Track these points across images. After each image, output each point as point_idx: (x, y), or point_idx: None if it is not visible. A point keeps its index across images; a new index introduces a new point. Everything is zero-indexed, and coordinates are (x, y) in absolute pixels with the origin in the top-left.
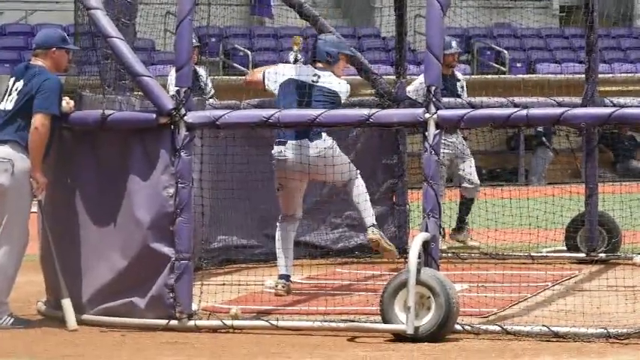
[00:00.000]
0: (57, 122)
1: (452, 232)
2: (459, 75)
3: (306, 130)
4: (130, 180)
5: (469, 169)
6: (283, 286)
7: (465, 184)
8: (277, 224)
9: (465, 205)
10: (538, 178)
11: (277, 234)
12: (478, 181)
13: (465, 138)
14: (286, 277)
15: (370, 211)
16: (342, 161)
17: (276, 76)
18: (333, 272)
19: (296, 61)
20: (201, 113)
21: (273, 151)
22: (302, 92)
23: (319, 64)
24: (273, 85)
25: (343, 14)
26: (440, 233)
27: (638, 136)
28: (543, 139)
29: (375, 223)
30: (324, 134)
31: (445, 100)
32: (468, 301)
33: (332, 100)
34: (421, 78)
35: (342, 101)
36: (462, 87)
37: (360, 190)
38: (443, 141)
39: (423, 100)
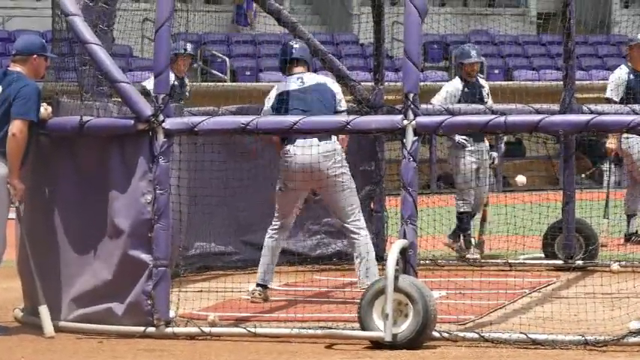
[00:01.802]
0: (35, 128)
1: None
2: (483, 82)
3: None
4: (108, 186)
5: (483, 182)
6: (260, 294)
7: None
8: (269, 231)
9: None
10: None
11: (267, 242)
12: (485, 197)
13: (491, 146)
14: (264, 286)
15: (372, 271)
16: (348, 180)
17: (267, 103)
18: (311, 279)
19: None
20: (179, 120)
21: (281, 151)
22: (297, 96)
23: (297, 70)
24: (267, 108)
25: (321, 21)
26: (472, 243)
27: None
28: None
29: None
30: (333, 137)
31: (473, 106)
32: (445, 308)
33: (326, 93)
34: (447, 86)
35: (334, 90)
36: (487, 93)
37: (365, 241)
38: (470, 149)
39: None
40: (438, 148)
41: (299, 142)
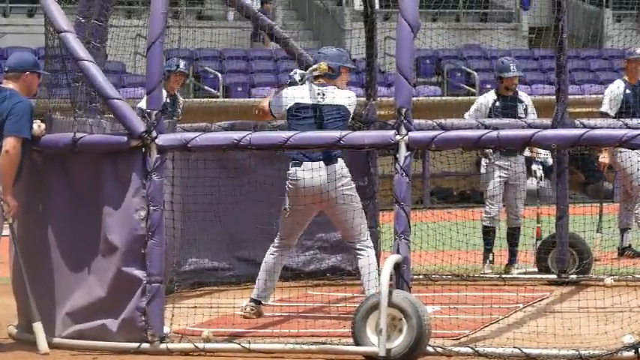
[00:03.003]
0: (28, 145)
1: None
2: (523, 97)
3: (324, 153)
4: (102, 203)
5: (515, 198)
6: (252, 309)
7: (508, 214)
8: (271, 248)
9: (510, 234)
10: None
11: (267, 258)
12: (521, 212)
13: (534, 160)
14: (257, 302)
15: (373, 283)
16: (356, 201)
17: (281, 100)
18: (305, 294)
19: (302, 80)
20: (172, 136)
21: (288, 172)
22: (312, 113)
23: (321, 80)
24: (279, 111)
25: (314, 36)
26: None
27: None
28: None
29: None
30: (340, 160)
31: (505, 120)
32: (439, 322)
33: (342, 115)
34: (479, 100)
35: (351, 112)
36: (525, 108)
37: (369, 261)
38: (497, 163)
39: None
40: (432, 162)
41: (306, 165)
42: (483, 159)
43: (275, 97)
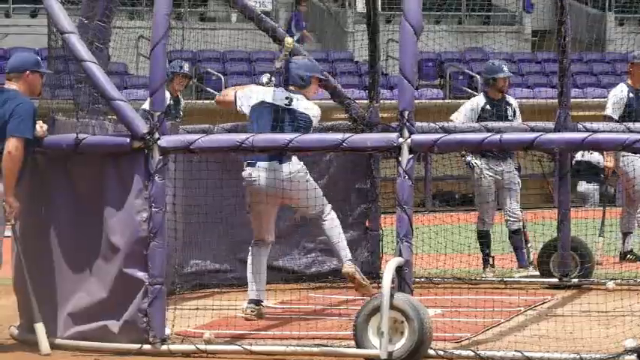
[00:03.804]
0: (30, 146)
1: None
2: (510, 100)
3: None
4: (104, 204)
5: (510, 201)
6: (252, 311)
7: (506, 217)
8: (249, 248)
9: (512, 238)
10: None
11: (249, 258)
12: (519, 214)
13: (517, 168)
14: (256, 302)
15: (344, 244)
16: (312, 188)
17: (248, 99)
18: (306, 297)
19: (269, 82)
20: (174, 137)
21: (243, 174)
22: (275, 116)
23: (291, 87)
24: (245, 107)
25: (316, 39)
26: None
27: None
28: None
29: (351, 258)
30: (294, 158)
31: (499, 124)
32: (441, 325)
33: (305, 124)
34: (468, 103)
35: (314, 125)
36: (514, 111)
37: (333, 224)
38: (487, 165)
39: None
40: (434, 166)
41: (260, 164)
42: (472, 161)
43: (243, 91)
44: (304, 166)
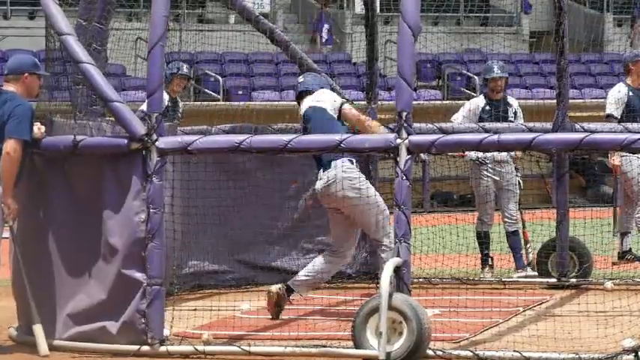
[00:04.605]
0: (28, 148)
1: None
2: (511, 100)
3: (328, 160)
4: (102, 205)
5: (508, 202)
6: (279, 289)
7: (504, 219)
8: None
9: (510, 239)
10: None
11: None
12: (516, 216)
13: (516, 169)
14: (289, 289)
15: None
16: (363, 196)
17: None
18: (305, 297)
19: None
20: (172, 139)
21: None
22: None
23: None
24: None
25: (314, 40)
26: (488, 263)
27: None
28: None
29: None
30: (334, 163)
31: (497, 125)
32: (439, 326)
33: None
34: (468, 104)
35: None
36: (515, 112)
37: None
38: (489, 168)
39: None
40: (432, 166)
41: (320, 173)
42: (479, 156)
43: None
44: (354, 172)
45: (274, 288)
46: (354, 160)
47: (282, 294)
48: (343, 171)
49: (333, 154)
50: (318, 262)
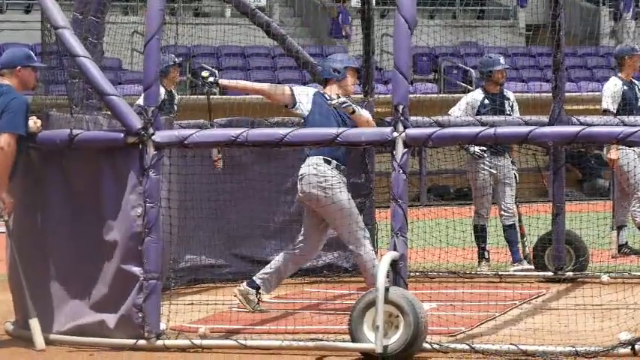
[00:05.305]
0: (24, 142)
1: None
2: (508, 94)
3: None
4: (98, 199)
5: (504, 195)
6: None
7: (501, 212)
8: None
9: (506, 232)
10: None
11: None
12: (513, 209)
13: (513, 162)
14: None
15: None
16: (331, 201)
17: (306, 97)
18: (301, 291)
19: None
20: (169, 132)
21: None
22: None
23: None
24: (304, 106)
25: (311, 33)
26: (485, 257)
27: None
28: None
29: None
30: (309, 159)
31: (494, 118)
32: (436, 319)
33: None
34: (466, 97)
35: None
36: (512, 106)
37: (369, 257)
38: (487, 162)
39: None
40: (428, 160)
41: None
42: (478, 150)
43: (300, 91)
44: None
45: (236, 290)
46: (333, 160)
47: (245, 289)
48: (314, 168)
49: (315, 149)
50: (279, 259)
